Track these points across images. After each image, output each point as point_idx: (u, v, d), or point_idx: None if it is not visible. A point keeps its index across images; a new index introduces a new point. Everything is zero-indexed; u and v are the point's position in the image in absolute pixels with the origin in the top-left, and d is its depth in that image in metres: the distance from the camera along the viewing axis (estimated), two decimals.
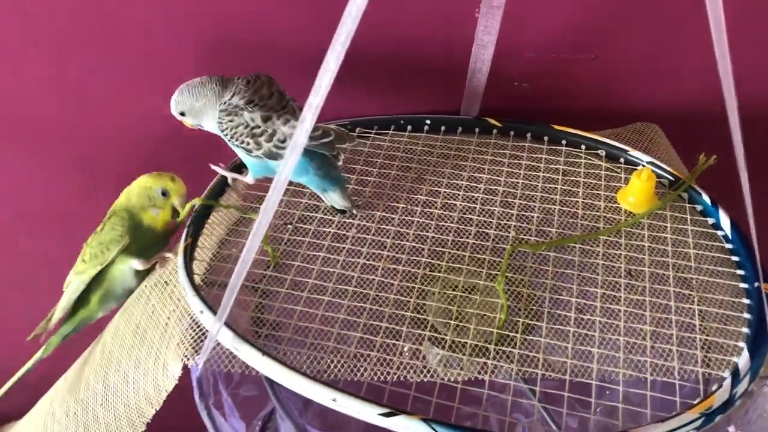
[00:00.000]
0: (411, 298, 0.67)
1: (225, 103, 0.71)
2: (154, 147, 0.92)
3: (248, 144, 0.70)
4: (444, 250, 0.72)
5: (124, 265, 0.78)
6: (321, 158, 0.72)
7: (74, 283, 0.80)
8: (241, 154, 0.73)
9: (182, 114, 0.73)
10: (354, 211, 0.75)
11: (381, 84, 0.87)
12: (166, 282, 0.75)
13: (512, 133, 0.86)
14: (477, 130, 0.87)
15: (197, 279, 0.69)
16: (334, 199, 0.74)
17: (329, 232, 0.74)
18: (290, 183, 0.79)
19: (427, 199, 0.78)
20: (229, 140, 0.72)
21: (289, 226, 0.75)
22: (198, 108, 0.72)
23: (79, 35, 0.79)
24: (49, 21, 0.77)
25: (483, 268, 0.70)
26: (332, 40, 0.47)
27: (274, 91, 0.71)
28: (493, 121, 0.86)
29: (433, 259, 0.71)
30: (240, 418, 0.76)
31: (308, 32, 0.81)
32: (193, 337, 0.65)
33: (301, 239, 0.73)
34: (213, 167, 0.79)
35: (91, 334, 0.87)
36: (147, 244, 0.78)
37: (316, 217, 0.76)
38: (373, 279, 0.69)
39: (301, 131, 0.49)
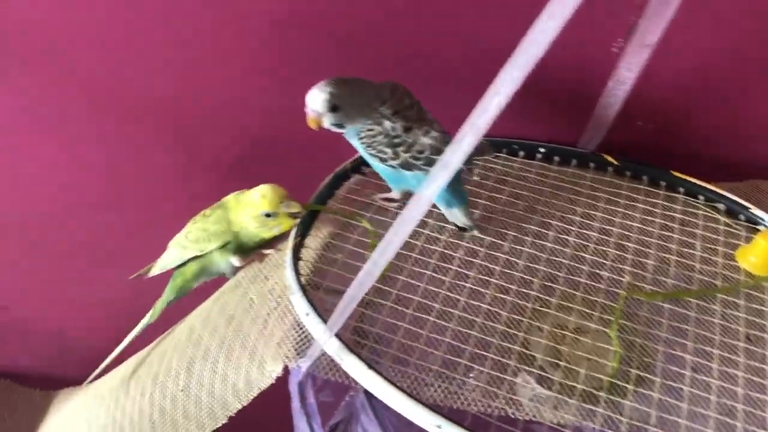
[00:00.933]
0: (520, 331, 0.65)
1: (375, 110, 0.69)
2: (257, 142, 0.92)
3: (385, 153, 0.69)
4: (555, 286, 0.70)
5: (223, 256, 0.79)
6: (456, 175, 0.71)
7: (175, 253, 0.81)
8: (374, 162, 0.72)
9: (334, 109, 0.67)
10: (475, 231, 0.73)
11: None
12: (266, 277, 0.75)
13: (628, 173, 0.83)
14: (592, 165, 0.84)
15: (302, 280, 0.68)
16: (457, 215, 0.72)
17: (436, 250, 0.72)
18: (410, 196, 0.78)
19: (539, 231, 0.75)
20: (365, 148, 0.71)
21: None
22: (355, 107, 0.68)
23: (204, 24, 0.80)
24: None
25: (595, 311, 0.68)
26: (508, 62, 0.45)
27: (413, 103, 0.71)
28: (609, 159, 0.84)
29: (543, 293, 0.69)
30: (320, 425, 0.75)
31: (437, 40, 0.80)
32: (295, 339, 0.64)
33: (408, 254, 0.72)
34: (377, 197, 0.78)
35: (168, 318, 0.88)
36: (253, 247, 0.78)
37: (423, 233, 0.74)
38: (480, 306, 0.67)
39: (457, 150, 0.48)
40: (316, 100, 0.68)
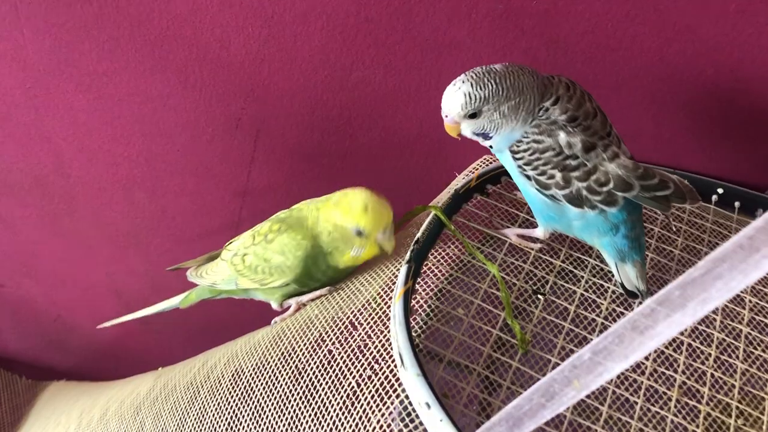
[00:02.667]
0: None
1: (543, 111, 0.49)
2: (343, 130, 0.71)
3: (550, 177, 0.49)
4: (762, 394, 0.50)
5: (274, 294, 0.63)
6: (639, 215, 0.51)
7: (228, 274, 0.64)
8: (526, 187, 0.52)
9: (473, 115, 0.48)
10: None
11: (680, 124, 0.65)
12: (352, 323, 0.55)
13: None
14: None
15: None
16: (628, 274, 0.52)
17: (596, 321, 0.52)
18: (557, 237, 0.58)
19: (728, 306, 0.55)
20: (521, 165, 0.50)
21: (539, 296, 0.54)
22: (507, 110, 0.48)
23: None
24: None
25: None
26: None
27: (596, 109, 0.50)
28: None
29: (745, 403, 0.49)
30: None
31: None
32: None
33: (557, 322, 0.52)
34: (511, 233, 0.58)
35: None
36: (321, 277, 0.60)
37: (577, 292, 0.54)
38: (665, 417, 0.47)
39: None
40: (451, 102, 0.48)
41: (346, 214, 0.55)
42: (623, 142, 0.51)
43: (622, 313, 0.53)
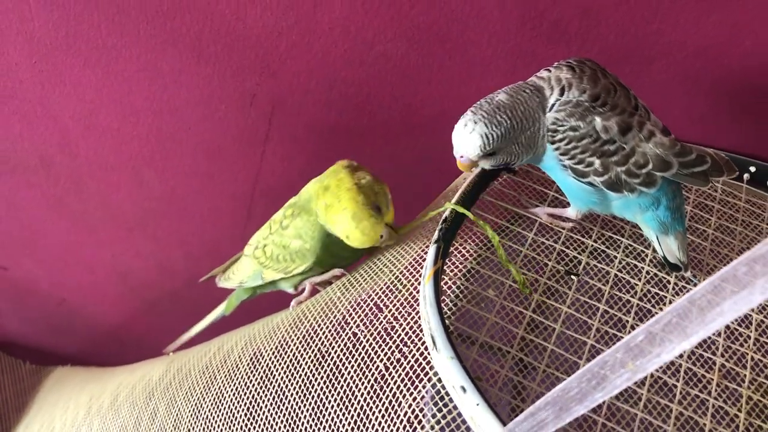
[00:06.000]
0: None
1: (560, 103, 0.47)
2: (364, 108, 0.69)
3: (588, 165, 0.48)
4: None
5: (296, 279, 0.62)
6: (678, 188, 0.49)
7: (252, 269, 0.64)
8: (563, 174, 0.50)
9: (491, 153, 0.48)
10: (689, 273, 0.52)
11: (713, 101, 0.63)
12: (377, 305, 0.53)
13: None
14: None
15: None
16: (670, 247, 0.51)
17: (632, 302, 0.51)
18: (589, 215, 0.55)
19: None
20: (559, 155, 0.48)
21: (572, 277, 0.52)
22: (525, 139, 0.48)
23: None
24: None
25: None
26: None
27: (615, 83, 0.49)
28: None
29: None
30: None
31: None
32: (436, 419, 0.43)
33: (591, 303, 0.50)
34: (542, 212, 0.55)
35: None
36: (344, 254, 0.59)
37: (611, 273, 0.52)
38: (707, 400, 0.46)
39: None
40: (466, 145, 0.47)
41: (336, 224, 0.55)
42: (652, 111, 0.49)
43: (657, 294, 0.52)
